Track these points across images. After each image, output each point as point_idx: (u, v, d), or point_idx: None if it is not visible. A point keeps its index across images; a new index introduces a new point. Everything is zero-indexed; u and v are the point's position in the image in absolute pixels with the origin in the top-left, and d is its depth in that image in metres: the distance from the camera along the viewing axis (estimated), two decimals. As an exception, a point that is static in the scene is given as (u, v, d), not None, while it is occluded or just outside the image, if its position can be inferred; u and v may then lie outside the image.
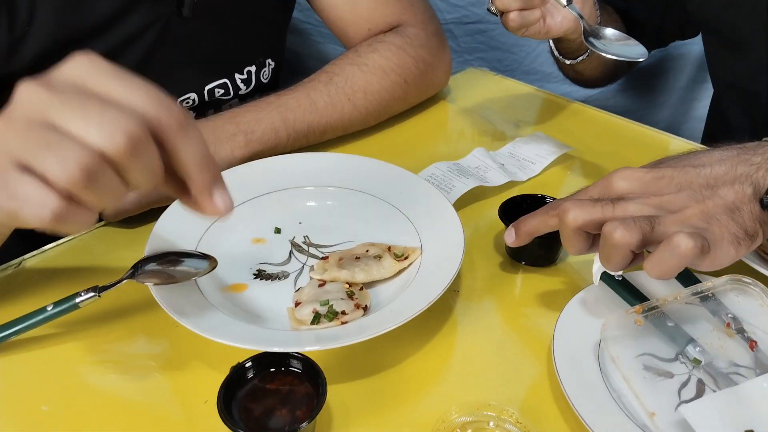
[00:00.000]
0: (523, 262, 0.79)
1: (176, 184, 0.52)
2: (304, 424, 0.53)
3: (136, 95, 0.47)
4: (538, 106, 1.19)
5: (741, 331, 0.62)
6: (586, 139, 1.05)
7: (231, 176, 0.83)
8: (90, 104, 0.45)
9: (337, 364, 0.65)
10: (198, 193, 0.51)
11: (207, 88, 0.99)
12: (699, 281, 0.67)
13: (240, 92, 1.03)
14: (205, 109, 1.02)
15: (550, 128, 1.07)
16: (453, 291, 0.76)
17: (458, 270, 0.68)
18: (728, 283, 0.64)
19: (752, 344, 0.61)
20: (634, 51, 0.86)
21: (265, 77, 1.07)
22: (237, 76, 1.03)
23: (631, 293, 0.68)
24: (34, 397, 0.62)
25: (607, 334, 0.61)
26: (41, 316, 0.65)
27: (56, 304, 0.65)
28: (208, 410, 0.55)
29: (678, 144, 1.05)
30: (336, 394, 0.63)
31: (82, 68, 0.48)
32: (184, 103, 0.97)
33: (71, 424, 0.60)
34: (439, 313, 0.72)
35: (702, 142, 1.14)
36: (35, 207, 0.45)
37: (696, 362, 0.60)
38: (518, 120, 1.12)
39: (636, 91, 1.53)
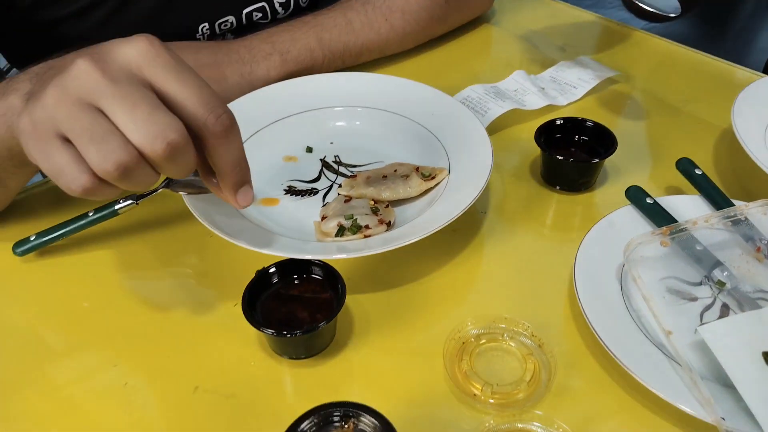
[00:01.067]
0: (558, 187, 0.78)
1: (208, 170, 0.56)
2: (323, 324, 0.55)
3: (188, 95, 0.49)
4: (588, 30, 1.13)
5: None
6: (637, 65, 1.01)
7: (265, 94, 0.85)
8: (141, 103, 0.47)
9: (361, 276, 0.67)
10: (226, 189, 0.56)
11: (245, 11, 0.98)
12: (732, 204, 0.65)
13: (278, 16, 1.03)
14: (243, 32, 1.02)
15: (598, 53, 1.03)
16: (481, 212, 0.76)
17: (482, 189, 0.68)
18: (762, 206, 0.61)
19: (782, 269, 0.59)
20: (669, 4, 0.81)
21: (303, 1, 1.06)
22: None
23: (661, 217, 0.67)
24: (76, 295, 0.67)
25: (631, 255, 0.60)
26: (83, 221, 0.69)
27: (97, 210, 0.69)
28: (237, 312, 0.58)
29: (742, 74, 0.99)
30: (358, 303, 0.65)
31: (142, 54, 0.49)
32: (222, 26, 0.97)
33: (110, 318, 0.64)
34: (465, 233, 0.72)
35: (763, 71, 1.07)
36: (68, 179, 0.49)
37: (720, 285, 0.59)
38: (565, 44, 1.08)
39: (698, 18, 1.45)
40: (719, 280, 0.60)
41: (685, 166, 0.72)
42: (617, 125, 0.89)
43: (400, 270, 0.68)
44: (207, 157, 0.54)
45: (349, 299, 0.65)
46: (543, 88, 0.94)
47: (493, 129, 0.86)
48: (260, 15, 1.01)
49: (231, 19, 0.98)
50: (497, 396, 0.55)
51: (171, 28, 0.91)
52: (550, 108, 0.90)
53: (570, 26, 1.14)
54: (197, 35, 0.96)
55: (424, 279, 0.67)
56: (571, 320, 0.62)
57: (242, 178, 0.56)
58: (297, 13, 1.06)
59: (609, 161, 0.81)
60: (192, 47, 0.87)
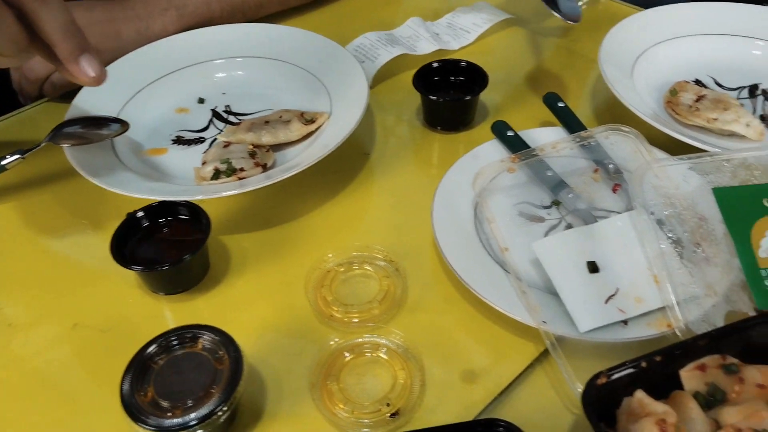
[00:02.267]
0: (439, 127, 0.82)
1: (50, 53, 0.55)
2: (187, 257, 0.59)
3: None
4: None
5: (609, 176, 0.64)
6: (530, 7, 1.03)
7: (156, 49, 0.87)
8: None
9: (242, 217, 0.71)
10: (64, 60, 0.54)
11: None
12: (585, 128, 0.69)
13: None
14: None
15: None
16: (363, 154, 0.79)
17: (351, 131, 0.71)
18: (607, 131, 0.66)
19: (615, 188, 0.63)
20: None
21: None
22: None
23: (519, 148, 0.70)
24: (-33, 247, 0.70)
25: (478, 182, 0.64)
26: (-29, 177, 0.71)
27: (-16, 165, 0.71)
28: (115, 255, 0.61)
29: (627, 11, 1.03)
30: (236, 242, 0.69)
31: None
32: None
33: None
34: (346, 174, 0.76)
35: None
36: None
37: (556, 204, 0.64)
38: (466, -10, 1.10)
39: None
40: (555, 200, 0.64)
41: (550, 101, 0.76)
42: (503, 65, 0.92)
43: (280, 210, 0.72)
44: (36, 30, 0.52)
45: (228, 239, 0.69)
46: (437, 34, 0.97)
47: (384, 75, 0.90)
48: None
49: None
50: (353, 315, 0.59)
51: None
52: (441, 52, 0.93)
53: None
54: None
55: (303, 218, 0.71)
56: (432, 247, 0.66)
57: (78, 45, 0.53)
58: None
59: (492, 100, 0.85)
60: (84, 5, 0.88)
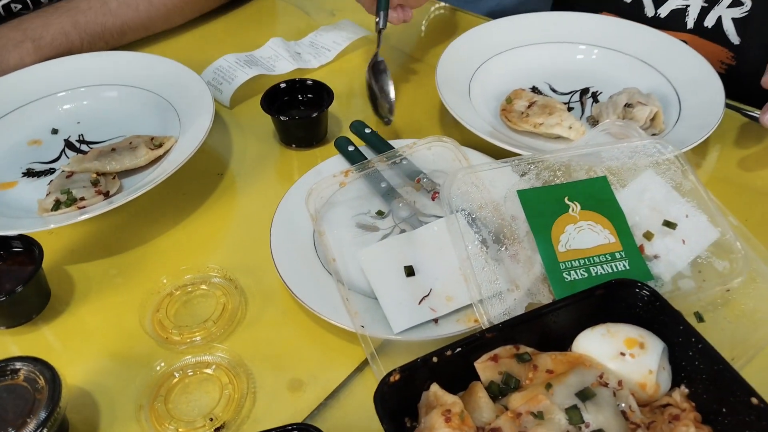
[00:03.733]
0: (293, 145, 0.84)
1: None
2: (19, 288, 0.59)
3: None
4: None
5: (428, 185, 0.69)
6: (405, 27, 1.08)
7: (5, 82, 0.86)
8: None
9: (88, 247, 0.72)
10: None
11: (2, 3, 0.98)
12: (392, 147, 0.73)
13: (42, 5, 1.03)
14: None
15: (366, 16, 1.09)
16: (217, 174, 0.81)
17: (196, 149, 0.73)
18: (430, 141, 0.70)
19: (434, 195, 0.68)
20: None
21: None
22: None
23: (361, 160, 0.74)
24: None
25: (311, 199, 0.67)
26: None
27: None
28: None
29: (475, 21, 1.08)
30: (82, 271, 0.69)
31: None
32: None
33: None
34: (196, 195, 0.78)
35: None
36: None
37: (380, 214, 0.68)
38: (334, 9, 1.14)
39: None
40: (379, 210, 0.68)
41: (357, 128, 0.80)
42: (359, 80, 0.96)
43: (126, 236, 0.73)
44: None
45: (73, 269, 0.70)
46: (299, 53, 1.00)
47: (243, 96, 0.92)
48: (20, 6, 1.01)
49: None
50: (193, 334, 0.61)
51: None
52: (301, 71, 0.96)
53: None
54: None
55: (151, 242, 0.73)
56: (270, 261, 0.69)
57: None
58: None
59: (348, 116, 0.87)
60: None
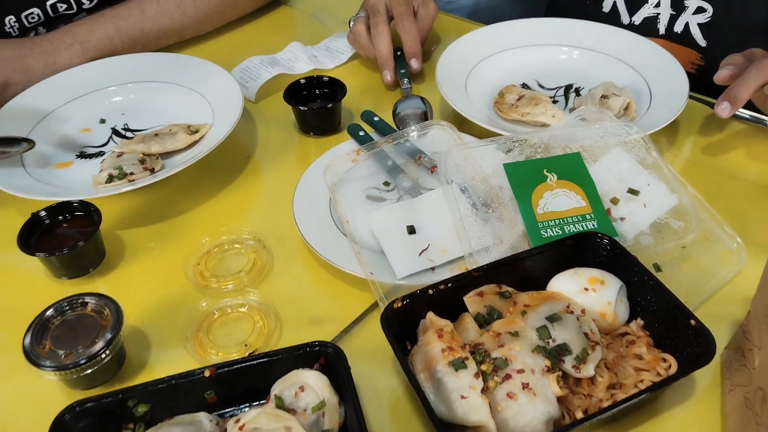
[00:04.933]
0: (311, 133, 0.96)
1: None
2: (81, 243, 0.71)
3: None
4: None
5: (427, 162, 0.80)
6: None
7: (61, 79, 0.99)
8: None
9: (135, 215, 0.83)
10: None
11: (49, 3, 1.11)
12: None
13: (84, 6, 1.16)
14: (55, 24, 1.14)
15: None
16: (245, 158, 0.93)
17: (227, 134, 0.85)
18: (430, 125, 0.81)
19: (432, 169, 0.79)
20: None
21: (103, -9, 1.20)
22: None
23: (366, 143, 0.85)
24: None
25: (328, 173, 0.79)
26: None
27: None
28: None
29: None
30: (130, 235, 0.81)
31: None
32: (29, 18, 1.10)
33: None
34: (228, 174, 0.89)
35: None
36: None
37: (386, 184, 0.79)
38: (346, 18, 1.26)
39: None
40: (386, 181, 0.79)
41: (367, 117, 0.92)
42: (368, 78, 1.07)
43: (169, 207, 0.85)
44: None
45: (124, 233, 0.81)
46: (315, 56, 1.12)
47: (266, 92, 1.04)
48: (65, 6, 1.14)
49: (36, 11, 1.11)
50: (227, 283, 0.72)
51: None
52: (317, 71, 1.08)
53: (354, 1, 1.32)
54: (6, 28, 1.08)
55: (190, 212, 0.84)
56: (296, 228, 0.80)
57: None
58: (105, 4, 1.19)
59: (359, 108, 0.99)
60: (-5, 43, 1.00)
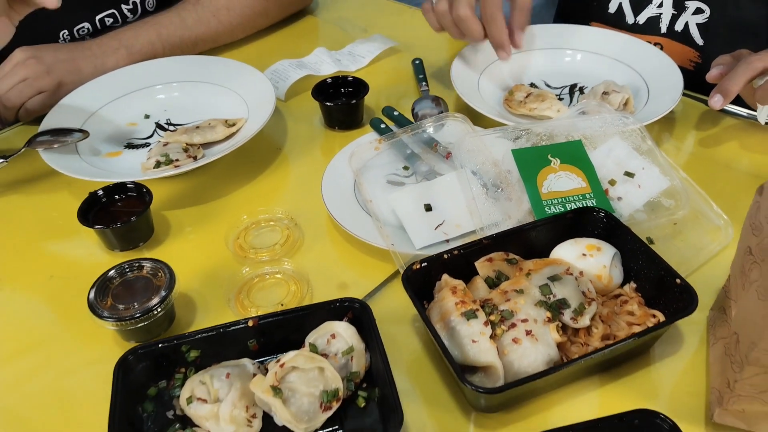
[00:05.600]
0: (336, 128, 1.05)
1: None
2: (133, 218, 0.80)
3: None
4: (386, 13, 1.42)
5: (443, 150, 0.88)
6: (416, 36, 1.29)
7: (109, 78, 1.09)
8: None
9: (179, 198, 0.93)
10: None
11: (98, 18, 1.22)
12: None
13: (128, 20, 1.26)
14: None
15: (392, 30, 1.31)
16: (276, 149, 1.02)
17: (262, 126, 0.94)
18: (447, 117, 0.90)
19: (447, 155, 0.87)
20: None
21: (150, 6, 1.30)
22: (123, 6, 1.26)
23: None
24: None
25: (354, 158, 0.87)
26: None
27: (-26, 169, 0.91)
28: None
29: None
30: (175, 216, 0.90)
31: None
32: (79, 32, 1.21)
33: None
34: (261, 163, 0.98)
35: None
36: None
37: (406, 168, 0.87)
38: (366, 26, 1.36)
39: None
40: (405, 166, 0.88)
41: (387, 112, 1.01)
42: (388, 79, 1.17)
43: (209, 192, 0.94)
44: None
45: (169, 213, 0.90)
46: (339, 60, 1.21)
47: (295, 92, 1.13)
48: (112, 20, 1.25)
49: (87, 25, 1.22)
50: (263, 254, 0.81)
51: (37, 35, 1.14)
52: (341, 73, 1.17)
53: (373, 11, 1.42)
54: (59, 40, 1.19)
55: (228, 196, 0.93)
56: (324, 208, 0.88)
57: None
58: (144, 16, 1.30)
59: (377, 107, 1.08)
60: (52, 47, 1.10)
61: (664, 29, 1.14)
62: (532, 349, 0.61)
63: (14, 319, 0.77)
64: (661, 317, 0.66)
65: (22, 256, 0.85)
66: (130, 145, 1.01)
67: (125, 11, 1.26)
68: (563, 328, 0.65)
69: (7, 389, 0.70)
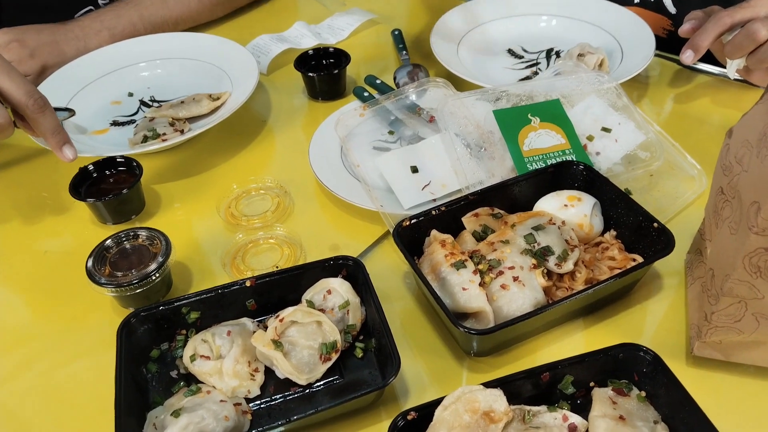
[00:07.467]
0: (319, 98, 1.06)
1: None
2: (124, 191, 0.81)
3: (12, 86, 0.76)
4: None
5: (426, 115, 0.91)
6: (396, 8, 1.31)
7: (92, 57, 1.09)
8: None
9: (168, 171, 0.94)
10: (53, 149, 0.82)
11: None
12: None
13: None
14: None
15: (371, 3, 1.32)
16: (262, 121, 1.03)
17: (245, 99, 0.95)
18: (429, 82, 0.92)
19: (431, 119, 0.89)
20: None
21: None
22: None
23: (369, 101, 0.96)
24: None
25: (339, 125, 0.89)
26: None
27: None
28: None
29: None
30: (165, 189, 0.91)
31: None
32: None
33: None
34: (247, 135, 1.00)
35: None
36: None
37: (390, 133, 0.89)
38: (345, 0, 1.37)
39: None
40: (390, 131, 0.90)
41: (370, 80, 1.03)
42: (368, 49, 1.18)
43: (197, 164, 0.95)
44: (35, 129, 0.80)
45: (159, 187, 0.92)
46: (319, 33, 1.22)
47: (277, 65, 1.14)
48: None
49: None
50: (255, 221, 0.82)
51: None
52: (321, 46, 1.18)
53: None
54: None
55: (216, 168, 0.95)
56: (312, 176, 0.90)
57: (62, 140, 0.81)
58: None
59: (359, 77, 1.10)
60: (35, 29, 1.10)
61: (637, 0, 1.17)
62: (520, 293, 0.64)
63: (12, 294, 0.79)
64: (641, 260, 0.69)
65: (15, 234, 0.86)
66: (116, 123, 1.01)
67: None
68: (548, 275, 0.67)
69: (7, 367, 0.71)
